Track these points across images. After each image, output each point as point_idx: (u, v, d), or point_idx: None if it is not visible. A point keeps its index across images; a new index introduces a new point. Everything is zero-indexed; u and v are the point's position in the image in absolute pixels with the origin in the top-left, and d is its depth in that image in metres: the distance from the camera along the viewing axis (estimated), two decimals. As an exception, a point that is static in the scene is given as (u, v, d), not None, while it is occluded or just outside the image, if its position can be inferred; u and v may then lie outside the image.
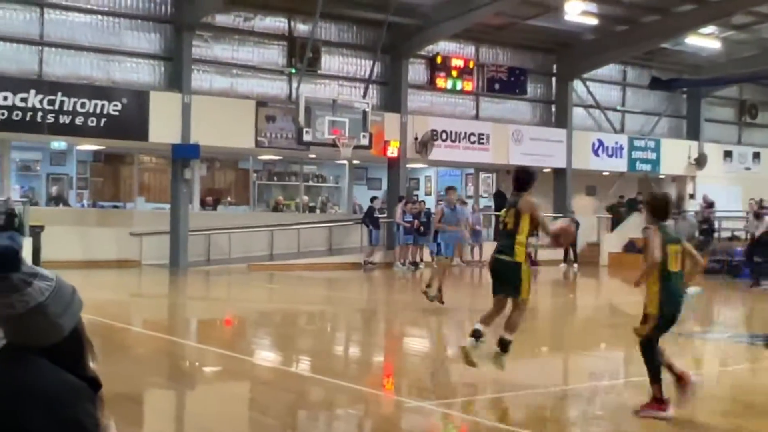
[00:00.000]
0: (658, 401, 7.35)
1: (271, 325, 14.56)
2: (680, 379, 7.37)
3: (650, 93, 33.56)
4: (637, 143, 32.40)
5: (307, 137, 23.17)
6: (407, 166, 27.72)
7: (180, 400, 8.86)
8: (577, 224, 20.54)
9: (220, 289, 20.78)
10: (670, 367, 7.42)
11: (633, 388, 9.29)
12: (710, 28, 29.25)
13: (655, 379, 7.34)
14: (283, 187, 29.69)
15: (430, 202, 29.77)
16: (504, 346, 8.55)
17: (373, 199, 26.40)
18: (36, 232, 21.60)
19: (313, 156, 27.00)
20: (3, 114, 20.84)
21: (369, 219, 25.44)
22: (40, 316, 2.30)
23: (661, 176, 33.84)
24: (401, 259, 25.80)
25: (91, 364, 2.46)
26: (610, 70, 32.34)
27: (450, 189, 16.15)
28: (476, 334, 8.65)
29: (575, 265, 26.60)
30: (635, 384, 9.54)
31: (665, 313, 7.57)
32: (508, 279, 8.47)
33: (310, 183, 30.34)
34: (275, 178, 29.76)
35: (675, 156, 33.16)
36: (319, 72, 25.89)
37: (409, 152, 26.90)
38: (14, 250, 2.34)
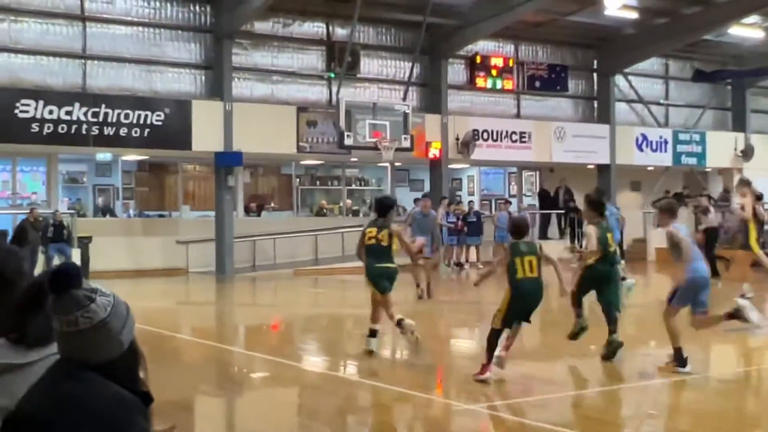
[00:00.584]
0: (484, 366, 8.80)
1: (317, 329, 14.60)
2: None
3: (694, 85, 33.14)
4: (681, 137, 32.00)
5: (348, 141, 23.19)
6: (449, 166, 27.65)
7: (229, 407, 8.92)
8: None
9: (266, 295, 20.89)
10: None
11: (685, 387, 9.17)
12: (753, 18, 28.79)
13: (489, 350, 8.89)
14: (326, 192, 29.78)
15: (475, 202, 29.67)
16: (372, 333, 10.86)
17: (416, 200, 26.33)
18: (84, 243, 21.92)
19: (355, 159, 27.05)
20: (49, 128, 21.16)
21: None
22: (103, 332, 2.32)
23: (707, 169, 33.41)
24: (446, 259, 25.71)
25: (142, 375, 2.48)
26: (652, 63, 31.99)
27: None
28: (372, 334, 10.82)
29: (622, 262, 26.30)
30: (687, 382, 9.42)
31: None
32: (392, 280, 10.77)
33: (353, 186, 30.39)
34: (318, 183, 29.86)
35: (721, 148, 32.68)
36: (358, 75, 25.94)
37: (450, 153, 26.84)
38: (75, 266, 2.37)
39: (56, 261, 20.88)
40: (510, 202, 27.88)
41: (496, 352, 8.95)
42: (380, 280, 10.64)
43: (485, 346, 8.97)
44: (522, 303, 8.93)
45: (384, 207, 10.99)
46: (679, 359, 9.14)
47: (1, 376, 2.34)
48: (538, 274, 8.93)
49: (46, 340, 2.40)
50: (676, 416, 8.12)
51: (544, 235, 28.80)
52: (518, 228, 9.46)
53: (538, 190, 31.30)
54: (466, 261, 25.62)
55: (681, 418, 7.98)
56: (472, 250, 26.53)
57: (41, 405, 2.27)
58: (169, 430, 2.80)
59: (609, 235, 10.05)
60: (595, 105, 30.92)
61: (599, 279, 9.99)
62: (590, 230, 9.89)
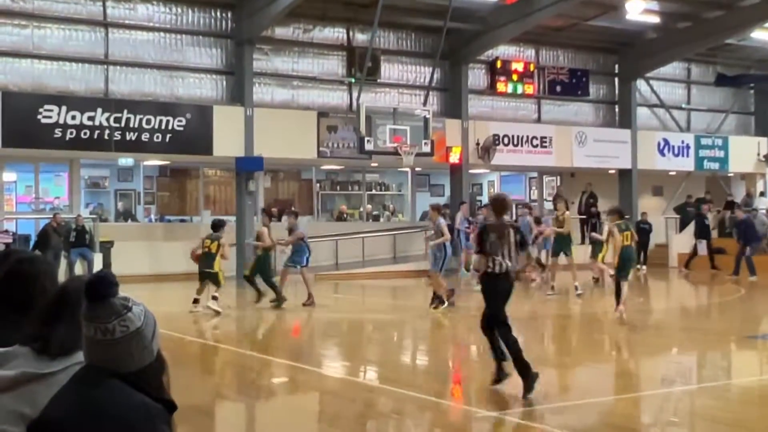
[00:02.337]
0: None
1: (337, 335, 14.61)
2: None
3: (716, 90, 32.94)
4: (704, 141, 31.79)
5: (368, 146, 23.21)
6: (470, 171, 27.61)
7: (249, 412, 8.93)
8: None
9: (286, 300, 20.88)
10: None
11: (707, 394, 9.11)
12: (776, 22, 28.57)
13: None
14: (347, 197, 29.80)
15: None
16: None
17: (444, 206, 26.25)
18: (106, 247, 22.04)
19: (375, 164, 27.06)
20: (72, 133, 21.31)
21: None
22: (137, 341, 2.32)
23: (729, 174, 33.18)
24: (465, 265, 25.63)
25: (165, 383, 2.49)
26: (674, 68, 31.82)
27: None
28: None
29: (644, 268, 26.21)
30: (709, 389, 9.36)
31: None
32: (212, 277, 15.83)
33: (373, 191, 30.39)
34: (338, 188, 29.89)
35: (744, 153, 32.43)
36: (378, 81, 25.96)
37: (471, 158, 26.80)
38: (112, 273, 2.37)
39: (78, 266, 21.02)
40: (531, 207, 27.80)
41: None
42: None
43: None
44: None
45: None
46: None
47: (25, 386, 2.35)
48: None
49: (69, 350, 2.40)
50: (697, 423, 8.06)
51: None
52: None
53: (555, 195, 31.14)
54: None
55: (702, 425, 7.93)
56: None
57: (65, 413, 2.27)
58: None
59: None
60: (617, 110, 30.79)
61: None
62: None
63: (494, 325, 8.69)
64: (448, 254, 16.37)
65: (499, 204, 9.13)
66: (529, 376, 8.16)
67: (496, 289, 8.76)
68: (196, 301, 16.23)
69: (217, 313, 15.80)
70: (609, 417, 8.05)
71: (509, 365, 8.44)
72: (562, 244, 19.24)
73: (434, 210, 16.85)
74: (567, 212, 19.75)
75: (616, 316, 14.24)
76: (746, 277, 22.61)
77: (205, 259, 16.01)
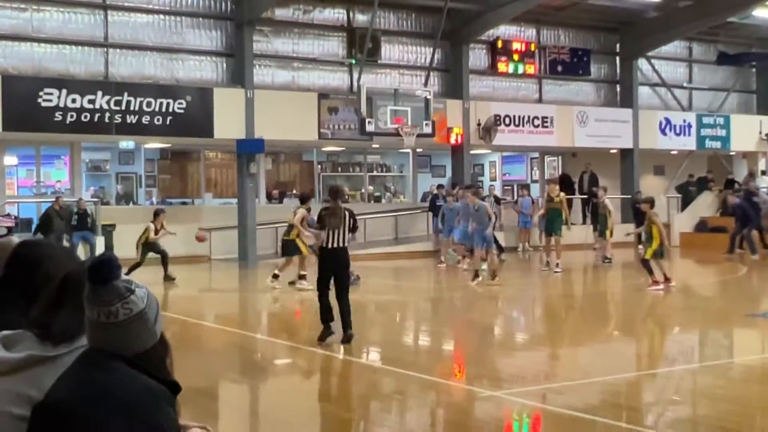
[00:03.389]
0: None
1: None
2: None
3: (718, 68, 32.83)
4: (705, 120, 31.73)
5: (369, 127, 23.17)
6: (471, 152, 27.57)
7: (253, 394, 8.97)
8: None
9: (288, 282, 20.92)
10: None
11: (708, 372, 9.15)
12: (778, 0, 28.44)
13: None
14: (348, 178, 29.78)
15: (496, 188, 29.56)
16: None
17: (439, 186, 26.29)
18: (108, 230, 22.07)
19: (377, 146, 27.02)
20: (72, 116, 21.28)
21: (431, 207, 25.36)
22: (140, 323, 2.33)
23: (731, 153, 33.13)
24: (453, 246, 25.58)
25: (169, 364, 2.50)
26: (675, 46, 31.70)
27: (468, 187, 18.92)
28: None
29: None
30: (711, 368, 9.39)
31: None
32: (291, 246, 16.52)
33: (374, 173, 30.38)
34: (339, 169, 29.87)
35: (745, 132, 32.35)
36: (379, 62, 25.88)
37: (472, 138, 26.75)
38: (115, 256, 2.38)
39: (80, 249, 21.05)
40: (529, 188, 27.87)
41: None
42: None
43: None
44: None
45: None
46: None
47: (32, 368, 2.36)
48: None
49: (72, 337, 2.41)
50: (699, 402, 8.10)
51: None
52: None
53: (559, 175, 31.13)
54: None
55: (705, 404, 7.96)
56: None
57: (69, 395, 2.28)
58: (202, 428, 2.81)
59: None
60: (618, 89, 30.70)
61: None
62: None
63: (337, 289, 10.57)
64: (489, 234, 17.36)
65: (333, 191, 11.25)
66: (349, 331, 10.44)
67: (333, 258, 10.57)
68: (275, 276, 16.69)
69: (304, 290, 16.08)
70: (611, 396, 8.08)
71: (336, 326, 10.53)
72: (554, 224, 19.69)
73: (473, 193, 17.66)
74: (562, 194, 20.20)
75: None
76: (748, 256, 22.66)
77: (288, 229, 17.11)
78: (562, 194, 20.19)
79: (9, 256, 2.86)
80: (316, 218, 11.67)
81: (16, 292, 2.75)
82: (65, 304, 2.44)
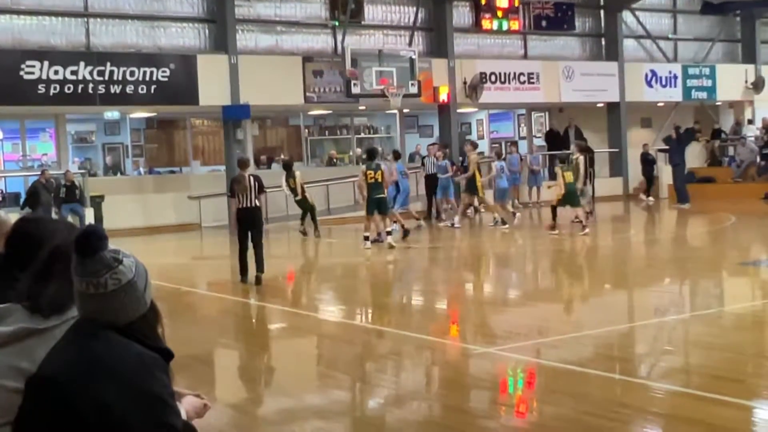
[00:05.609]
0: None
1: (332, 279, 14.67)
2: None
3: (702, 18, 32.70)
4: (691, 71, 31.67)
5: (355, 89, 23.06)
6: (458, 111, 27.50)
7: (248, 359, 9.00)
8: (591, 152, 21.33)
9: (279, 247, 20.92)
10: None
11: (700, 322, 9.22)
12: (762, -53, 28.31)
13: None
14: (335, 141, 29.69)
15: (483, 146, 29.48)
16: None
17: (430, 145, 26.16)
18: (96, 202, 21.99)
19: (363, 108, 26.91)
20: (56, 88, 21.10)
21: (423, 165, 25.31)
22: (129, 293, 2.33)
23: (717, 103, 33.12)
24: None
25: (160, 332, 2.50)
26: (659, -3, 31.58)
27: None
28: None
29: (650, 199, 26.99)
30: (701, 317, 9.47)
31: None
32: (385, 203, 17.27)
33: (362, 135, 30.27)
34: (327, 133, 29.76)
35: (731, 81, 32.34)
36: (362, 23, 25.69)
37: (458, 97, 26.67)
38: (101, 227, 2.37)
39: (70, 221, 20.98)
40: (517, 144, 27.83)
41: None
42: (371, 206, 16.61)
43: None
44: None
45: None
46: None
47: (23, 341, 2.36)
48: None
49: (60, 308, 2.40)
50: (691, 351, 8.17)
51: (554, 175, 28.63)
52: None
53: (546, 131, 31.11)
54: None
55: (698, 352, 8.03)
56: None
57: (62, 365, 2.29)
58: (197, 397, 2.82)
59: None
60: (603, 42, 30.59)
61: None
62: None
63: (254, 239, 12.80)
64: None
65: (239, 162, 13.68)
66: (258, 274, 12.69)
67: (246, 218, 12.75)
68: (366, 238, 16.94)
69: (392, 247, 16.61)
70: (604, 349, 8.14)
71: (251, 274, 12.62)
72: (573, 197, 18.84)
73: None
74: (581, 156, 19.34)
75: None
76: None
77: (376, 188, 16.70)
78: (581, 156, 19.28)
79: (10, 233, 2.84)
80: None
81: (19, 269, 2.73)
82: (54, 276, 2.43)
